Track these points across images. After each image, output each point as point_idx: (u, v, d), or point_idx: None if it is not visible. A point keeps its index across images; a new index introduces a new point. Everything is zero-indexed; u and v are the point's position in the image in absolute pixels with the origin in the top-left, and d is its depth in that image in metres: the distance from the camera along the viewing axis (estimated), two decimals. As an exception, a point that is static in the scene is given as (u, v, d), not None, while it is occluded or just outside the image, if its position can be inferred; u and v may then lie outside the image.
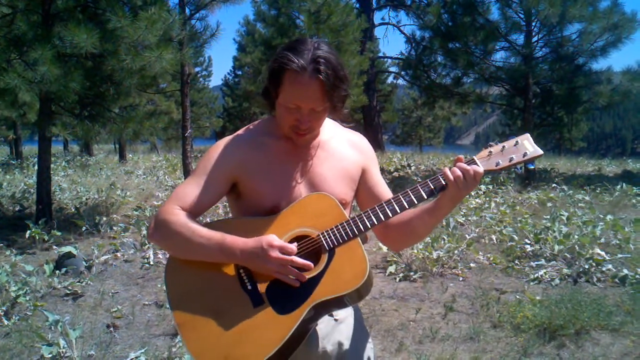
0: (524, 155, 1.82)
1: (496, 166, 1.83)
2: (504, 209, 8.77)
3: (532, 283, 5.73)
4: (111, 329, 4.70)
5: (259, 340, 1.75)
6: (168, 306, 1.90)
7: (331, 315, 1.93)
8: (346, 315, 1.99)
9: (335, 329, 1.94)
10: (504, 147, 1.84)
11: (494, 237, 7.34)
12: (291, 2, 16.95)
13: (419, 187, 1.83)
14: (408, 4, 26.41)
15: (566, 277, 5.80)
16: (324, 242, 1.80)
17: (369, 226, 1.82)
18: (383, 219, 1.82)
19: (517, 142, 1.84)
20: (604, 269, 5.84)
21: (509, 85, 16.49)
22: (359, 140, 2.07)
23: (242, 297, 1.80)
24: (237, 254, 1.77)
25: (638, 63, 15.27)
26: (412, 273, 5.99)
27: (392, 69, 31.87)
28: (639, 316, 4.67)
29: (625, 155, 32.77)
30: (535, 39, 15.67)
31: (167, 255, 1.92)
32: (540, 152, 1.84)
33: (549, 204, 9.62)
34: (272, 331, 1.74)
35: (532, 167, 1.88)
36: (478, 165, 1.81)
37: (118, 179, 14.19)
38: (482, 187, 11.36)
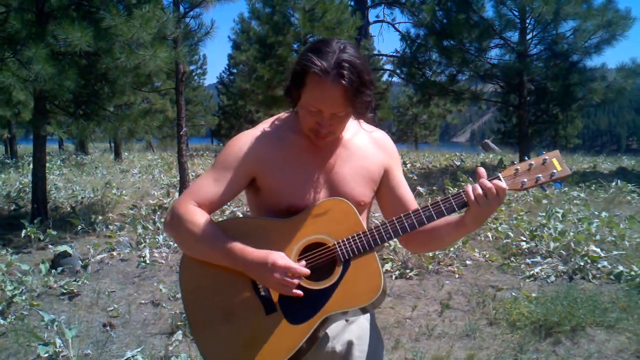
0: (551, 176, 1.76)
1: (521, 186, 1.78)
2: (500, 207, 8.78)
3: (527, 280, 5.75)
4: (107, 328, 4.69)
5: (270, 348, 1.75)
6: (180, 301, 1.90)
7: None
8: (358, 315, 1.95)
9: (346, 329, 1.92)
10: (531, 165, 1.78)
11: (489, 234, 7.35)
12: (286, 0, 16.93)
13: (441, 203, 1.80)
14: (403, 1, 26.41)
15: (562, 274, 5.82)
16: (339, 252, 1.78)
17: (386, 239, 1.80)
18: (401, 233, 1.80)
19: (545, 160, 1.78)
20: (599, 265, 5.86)
21: (504, 82, 16.53)
22: (383, 139, 2.03)
23: (256, 303, 1.79)
24: (241, 264, 1.75)
25: (632, 60, 15.30)
26: (408, 271, 5.99)
27: (387, 66, 31.88)
28: (635, 312, 4.69)
29: (620, 152, 32.90)
30: (529, 36, 15.74)
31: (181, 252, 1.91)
32: (569, 172, 1.78)
33: (545, 201, 9.62)
34: (284, 340, 1.74)
35: (559, 187, 1.83)
36: (501, 181, 1.76)
37: (113, 178, 14.16)
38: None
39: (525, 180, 1.77)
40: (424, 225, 1.80)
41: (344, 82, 1.67)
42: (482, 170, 1.76)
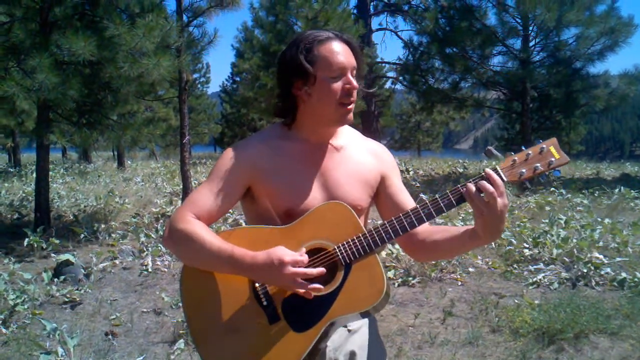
0: (549, 165, 1.71)
1: (520, 177, 1.72)
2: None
3: (530, 287, 5.73)
4: (110, 336, 4.68)
5: (275, 357, 1.74)
6: (183, 314, 1.89)
7: (345, 326, 1.89)
8: (360, 325, 1.94)
9: (348, 339, 1.89)
10: (528, 154, 1.73)
11: (492, 241, 7.32)
12: (289, 8, 16.99)
13: (439, 200, 1.76)
14: (405, 9, 26.46)
15: (565, 281, 5.80)
16: (340, 256, 1.76)
17: (386, 240, 1.77)
18: (401, 232, 1.77)
19: (542, 148, 1.72)
20: (602, 272, 5.83)
21: (507, 89, 16.56)
22: (378, 149, 2.04)
23: (258, 313, 1.77)
24: (247, 269, 1.73)
25: (635, 67, 15.32)
26: (410, 278, 5.98)
27: (390, 74, 31.90)
28: (638, 319, 4.67)
29: (623, 159, 32.80)
30: (532, 43, 15.77)
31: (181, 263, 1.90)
32: (567, 159, 1.73)
33: (547, 208, 9.62)
34: (289, 349, 1.73)
35: (558, 175, 1.79)
36: (499, 172, 1.70)
37: (116, 186, 14.17)
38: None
39: (524, 170, 1.72)
40: (423, 222, 1.77)
41: (349, 39, 1.83)
42: (488, 171, 1.70)
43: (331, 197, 1.87)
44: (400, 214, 1.79)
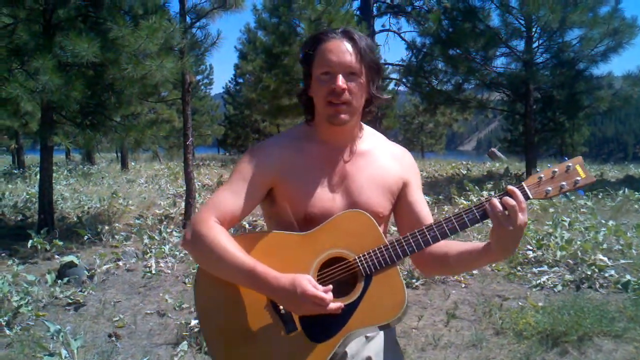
0: (575, 183, 1.70)
1: (546, 195, 1.70)
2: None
3: (534, 289, 5.72)
4: (113, 338, 4.69)
5: None
6: (195, 317, 1.86)
7: None
8: (377, 331, 1.91)
9: (365, 346, 1.88)
10: (554, 172, 1.71)
11: (496, 243, 7.31)
12: (292, 10, 16.97)
13: (463, 215, 1.72)
14: (408, 10, 26.44)
15: (568, 283, 5.78)
16: (361, 267, 1.71)
17: (409, 253, 1.73)
18: (423, 246, 1.73)
19: (568, 167, 1.71)
20: (606, 274, 5.82)
21: (510, 91, 16.48)
22: (402, 154, 1.99)
23: (276, 321, 1.73)
24: (267, 289, 1.69)
25: (639, 68, 15.24)
26: (414, 280, 5.97)
27: (393, 75, 31.81)
28: (642, 322, 4.66)
29: (627, 160, 32.70)
30: (535, 44, 15.69)
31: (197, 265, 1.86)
32: (593, 179, 1.71)
33: (551, 210, 9.60)
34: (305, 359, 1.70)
35: (583, 194, 1.76)
36: (525, 190, 1.68)
37: (120, 188, 14.20)
38: (484, 193, 11.34)
39: (550, 188, 1.70)
40: (446, 237, 1.73)
41: (354, 37, 1.76)
42: (510, 188, 1.68)
43: (353, 203, 1.83)
44: (424, 227, 1.74)
